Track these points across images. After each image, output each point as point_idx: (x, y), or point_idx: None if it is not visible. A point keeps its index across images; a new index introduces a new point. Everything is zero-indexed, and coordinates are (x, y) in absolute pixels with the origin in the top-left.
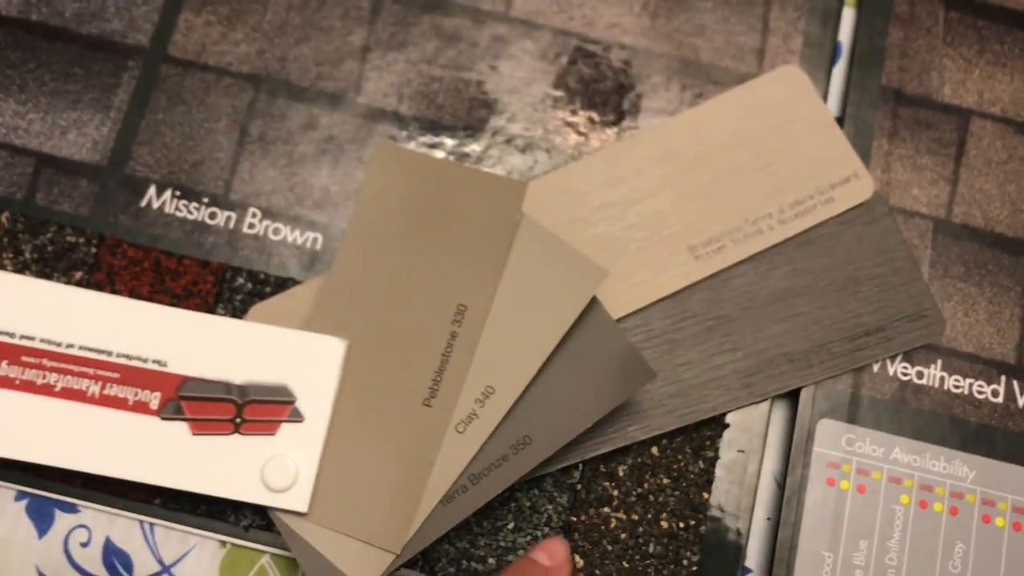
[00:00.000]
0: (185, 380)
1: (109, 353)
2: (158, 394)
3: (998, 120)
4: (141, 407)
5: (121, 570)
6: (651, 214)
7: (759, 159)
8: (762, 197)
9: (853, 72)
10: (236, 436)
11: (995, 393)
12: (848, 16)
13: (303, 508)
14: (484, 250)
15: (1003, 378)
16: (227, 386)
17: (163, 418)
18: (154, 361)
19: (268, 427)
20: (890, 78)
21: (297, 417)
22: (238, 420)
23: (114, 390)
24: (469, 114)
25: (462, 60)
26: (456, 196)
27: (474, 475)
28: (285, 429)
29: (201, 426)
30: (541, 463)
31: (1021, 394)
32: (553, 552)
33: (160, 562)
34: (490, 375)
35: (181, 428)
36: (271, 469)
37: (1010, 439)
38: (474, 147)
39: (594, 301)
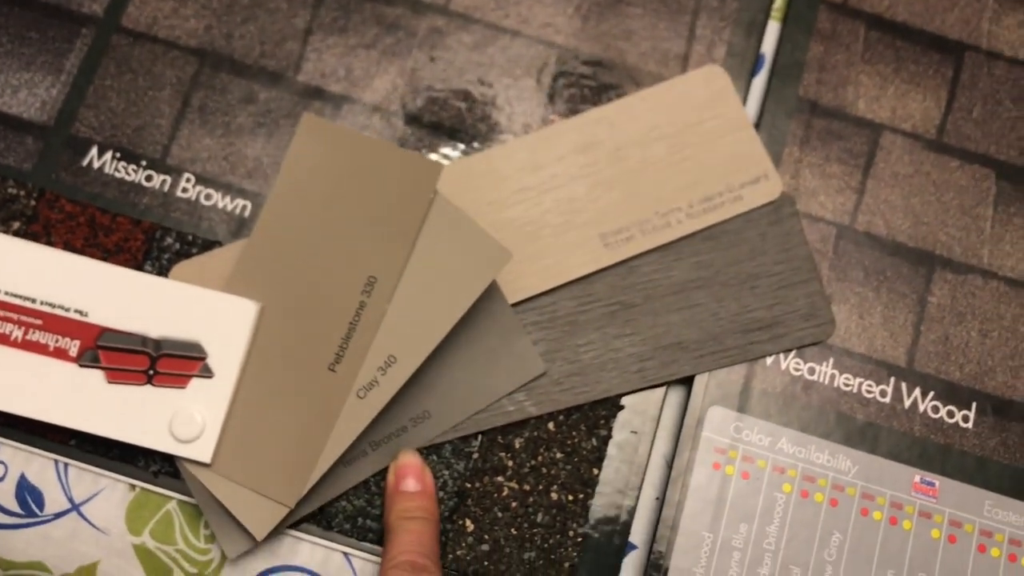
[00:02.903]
0: (104, 331)
1: (33, 300)
2: (77, 342)
3: (908, 136)
4: (60, 353)
5: (33, 505)
6: (567, 201)
7: (674, 154)
8: (674, 191)
9: (772, 82)
10: (148, 387)
11: (883, 393)
12: (772, 29)
13: (207, 459)
14: (397, 225)
15: (892, 379)
16: (143, 339)
17: (81, 365)
18: (76, 311)
19: (179, 380)
20: (807, 90)
21: (207, 373)
22: (151, 372)
23: (36, 336)
24: (403, 98)
25: (399, 48)
26: (375, 172)
27: (374, 442)
28: (195, 383)
29: (116, 375)
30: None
31: (908, 395)
32: (414, 471)
33: (71, 500)
34: (393, 345)
35: (97, 376)
36: (179, 420)
37: (893, 437)
38: (404, 129)
39: (497, 291)
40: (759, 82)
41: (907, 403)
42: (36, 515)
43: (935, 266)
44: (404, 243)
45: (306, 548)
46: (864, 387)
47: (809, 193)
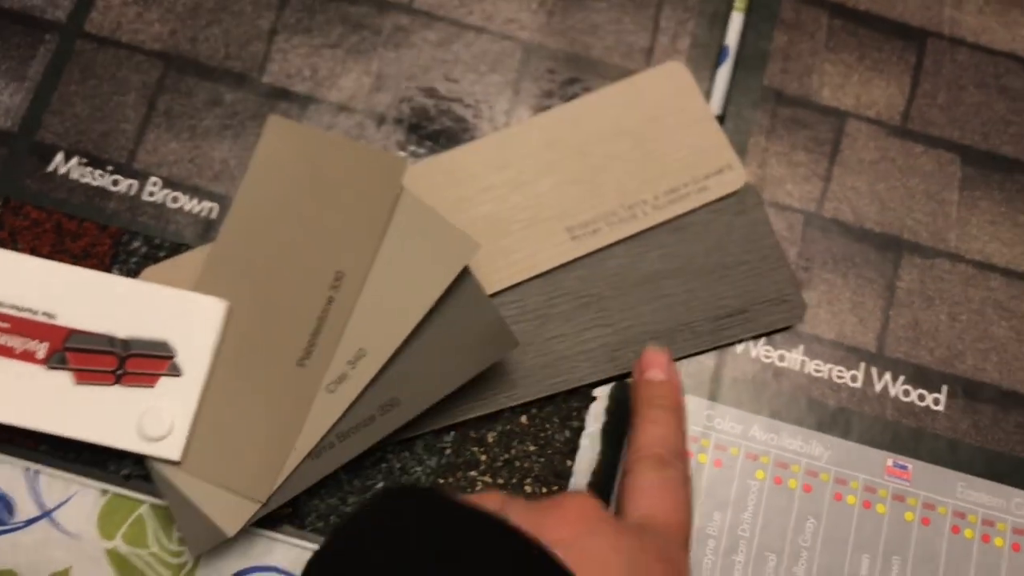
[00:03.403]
0: (72, 332)
1: (0, 304)
2: (45, 344)
3: (873, 122)
4: (28, 356)
5: (3, 512)
6: (534, 196)
7: (638, 148)
8: (639, 184)
9: (737, 72)
10: (117, 387)
11: (854, 378)
12: (736, 19)
13: (176, 457)
14: (364, 220)
15: (863, 364)
16: (111, 339)
17: (49, 367)
18: (44, 313)
19: (148, 380)
20: (772, 79)
21: (176, 371)
22: (119, 372)
23: (3, 339)
24: (369, 97)
25: (364, 47)
26: (341, 169)
27: (341, 433)
28: (164, 382)
29: (84, 376)
30: (412, 423)
31: (879, 380)
32: (660, 363)
33: (41, 506)
34: (363, 338)
35: (65, 377)
36: (148, 419)
37: (865, 422)
38: (370, 127)
39: (466, 271)
40: (724, 73)
41: (878, 388)
42: (6, 523)
43: (903, 251)
44: (372, 238)
45: (280, 548)
46: (835, 373)
47: (776, 182)
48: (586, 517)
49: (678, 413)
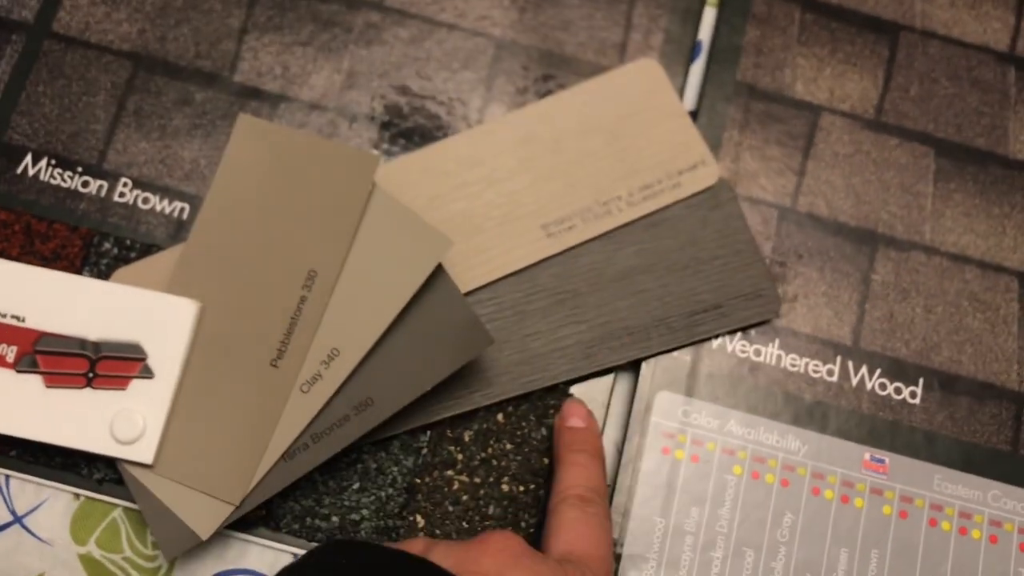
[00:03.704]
0: (42, 335)
1: None
2: (15, 348)
3: (847, 116)
4: None
5: None
6: (508, 194)
7: (612, 145)
8: (613, 180)
9: (710, 67)
10: (88, 390)
11: (830, 372)
12: (709, 15)
13: (148, 460)
14: (336, 219)
15: (839, 358)
16: (82, 342)
17: (18, 371)
18: (12, 316)
19: (119, 382)
20: (745, 74)
21: (148, 373)
22: (91, 375)
23: None
24: (340, 95)
25: (335, 45)
26: (313, 167)
27: (316, 434)
28: (136, 384)
29: (55, 379)
30: (387, 424)
31: (855, 373)
32: (580, 413)
33: (12, 512)
34: (336, 338)
35: (35, 381)
36: (120, 422)
37: (842, 416)
38: (343, 126)
39: (439, 269)
40: (697, 68)
41: (854, 381)
42: None
43: (878, 244)
44: (344, 236)
45: (255, 550)
46: (811, 367)
47: (750, 176)
48: (509, 551)
49: (598, 457)
